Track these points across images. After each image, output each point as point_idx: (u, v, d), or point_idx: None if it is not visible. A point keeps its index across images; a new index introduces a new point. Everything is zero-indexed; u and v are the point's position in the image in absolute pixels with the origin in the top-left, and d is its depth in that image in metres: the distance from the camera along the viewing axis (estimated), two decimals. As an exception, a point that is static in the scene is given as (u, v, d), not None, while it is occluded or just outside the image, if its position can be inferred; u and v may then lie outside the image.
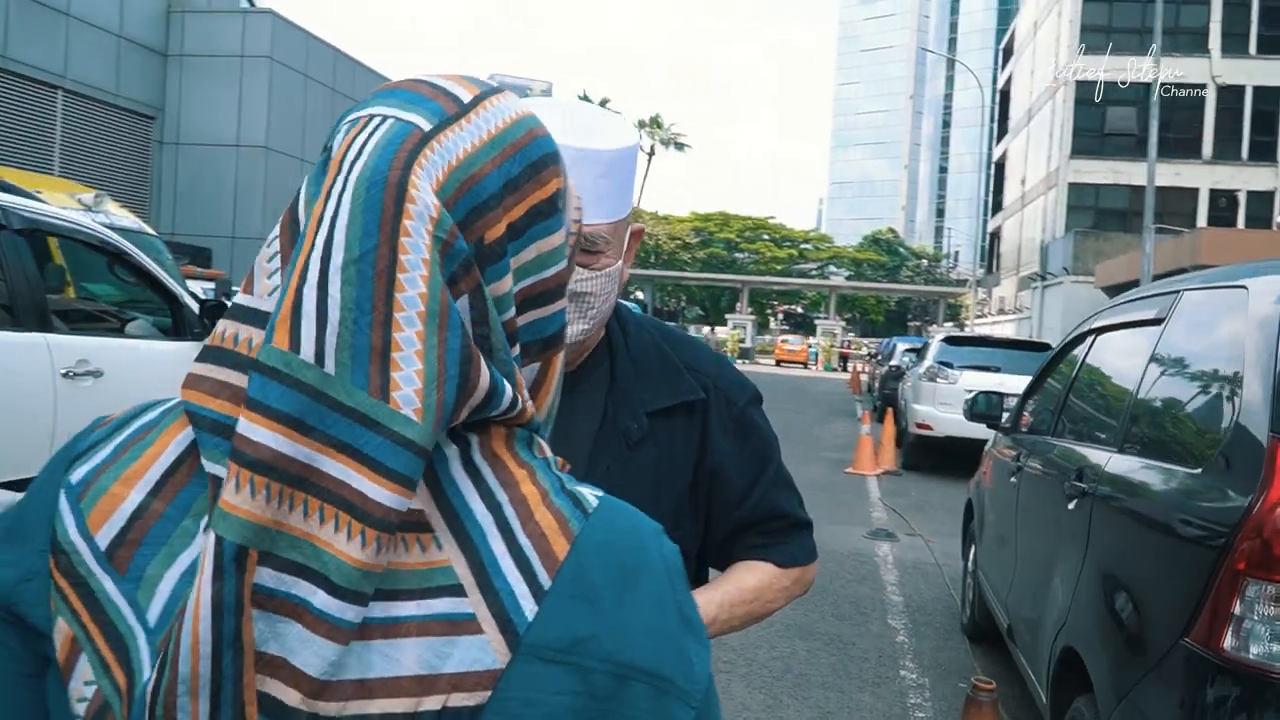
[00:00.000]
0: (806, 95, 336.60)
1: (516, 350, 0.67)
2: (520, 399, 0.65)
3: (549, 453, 0.68)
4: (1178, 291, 3.04)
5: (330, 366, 0.57)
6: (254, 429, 0.56)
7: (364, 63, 24.99)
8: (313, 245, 0.59)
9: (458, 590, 0.59)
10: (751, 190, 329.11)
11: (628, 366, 1.28)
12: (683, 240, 66.95)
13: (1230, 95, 33.03)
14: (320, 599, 0.55)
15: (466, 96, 0.67)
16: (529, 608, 0.60)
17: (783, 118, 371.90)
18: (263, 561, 0.55)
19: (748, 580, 1.32)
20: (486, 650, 0.59)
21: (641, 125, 64.11)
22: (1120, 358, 3.47)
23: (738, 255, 72.64)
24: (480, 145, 0.65)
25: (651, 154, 64.12)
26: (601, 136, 1.16)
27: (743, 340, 53.53)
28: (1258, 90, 32.82)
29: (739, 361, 50.42)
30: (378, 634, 0.58)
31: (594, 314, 1.21)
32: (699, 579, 1.35)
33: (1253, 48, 32.95)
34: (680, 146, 64.53)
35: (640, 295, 56.49)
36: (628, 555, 0.65)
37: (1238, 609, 1.98)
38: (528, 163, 0.67)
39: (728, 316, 58.79)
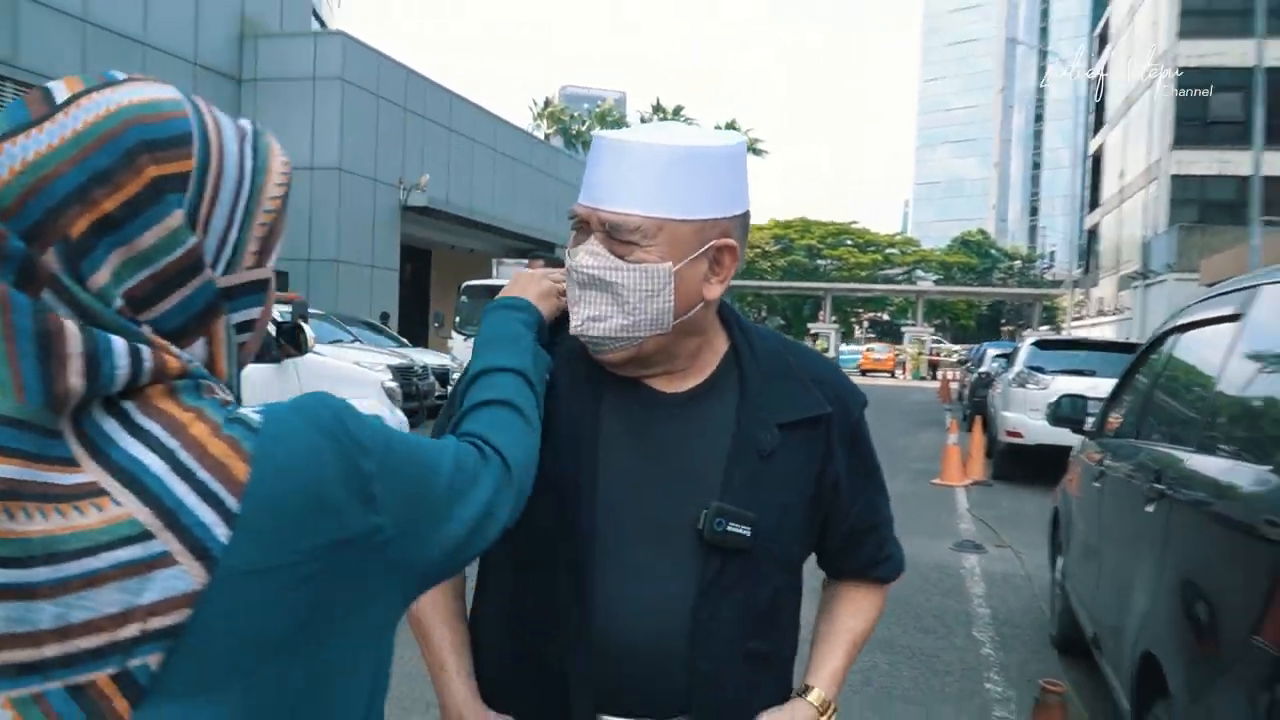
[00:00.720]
0: (891, 94, 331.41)
1: (147, 322, 0.75)
2: (158, 359, 0.74)
3: (220, 393, 0.78)
4: (1257, 286, 2.98)
5: None
6: None
7: (435, 80, 25.11)
8: None
9: (146, 536, 0.70)
10: (834, 195, 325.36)
11: (756, 377, 1.30)
12: (762, 249, 66.24)
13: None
14: None
15: (63, 96, 0.73)
16: (222, 533, 0.72)
17: (866, 119, 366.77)
18: None
19: (859, 627, 1.43)
20: (184, 578, 0.70)
21: (719, 130, 63.75)
22: (1199, 355, 3.49)
23: (820, 262, 71.52)
24: (60, 144, 0.71)
25: (730, 161, 63.69)
26: (669, 136, 1.20)
27: (826, 350, 52.50)
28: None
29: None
30: (76, 587, 0.69)
31: (635, 310, 1.21)
32: (796, 587, 1.37)
33: (1371, 24, 30.80)
34: (759, 152, 63.73)
35: (722, 304, 55.92)
36: (300, 446, 0.76)
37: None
38: (119, 153, 0.72)
39: (810, 325, 57.85)
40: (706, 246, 1.21)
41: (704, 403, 1.28)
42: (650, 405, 1.28)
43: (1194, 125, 32.78)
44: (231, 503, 0.71)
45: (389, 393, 9.11)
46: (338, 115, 21.39)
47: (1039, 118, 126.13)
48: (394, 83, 23.25)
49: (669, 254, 1.19)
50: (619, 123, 61.42)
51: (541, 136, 42.13)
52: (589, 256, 1.19)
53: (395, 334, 19.37)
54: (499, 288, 17.98)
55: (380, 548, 0.81)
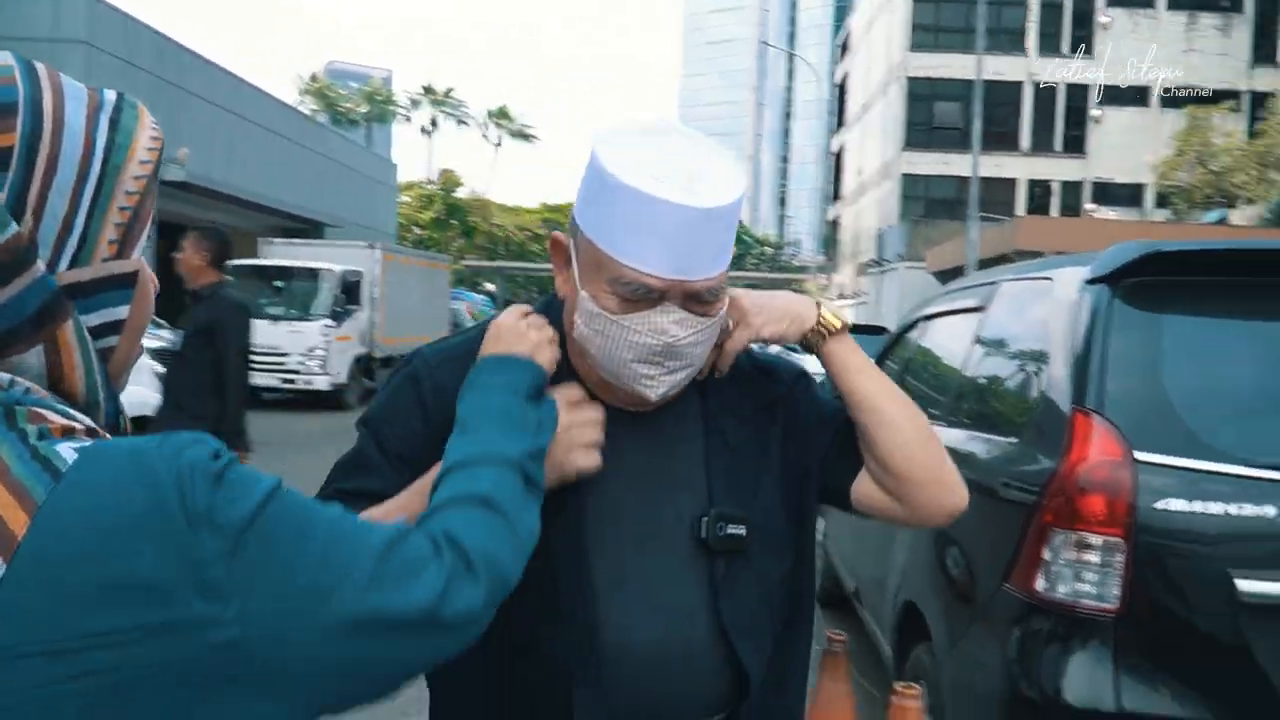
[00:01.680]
0: (654, 87, 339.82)
1: None
2: None
3: (54, 418, 0.65)
4: (995, 282, 3.36)
5: None
6: None
7: (194, 50, 23.74)
8: None
9: None
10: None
11: (710, 378, 1.29)
12: (532, 231, 66.54)
13: (1044, 91, 35.35)
14: None
15: None
16: None
17: (631, 110, 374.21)
18: None
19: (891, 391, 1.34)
20: None
21: (490, 116, 63.31)
22: (948, 341, 3.75)
23: (589, 246, 72.69)
24: None
25: (499, 145, 63.47)
26: (712, 188, 1.11)
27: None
28: (1070, 88, 35.24)
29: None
30: None
31: (699, 360, 1.20)
32: (805, 559, 1.38)
33: (1065, 47, 35.33)
34: (529, 138, 64.09)
35: (490, 287, 55.93)
36: (109, 501, 0.61)
37: (1047, 555, 2.24)
38: None
39: (580, 307, 58.71)
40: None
41: (670, 409, 1.27)
42: (621, 421, 1.23)
43: (921, 130, 36.15)
44: None
45: (161, 379, 8.87)
46: (82, 82, 19.82)
47: (788, 116, 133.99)
48: (147, 49, 21.83)
49: (722, 296, 1.20)
50: (388, 101, 59.75)
51: (307, 114, 40.43)
52: (681, 328, 1.14)
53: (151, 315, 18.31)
54: (267, 268, 17.01)
55: (226, 648, 0.62)
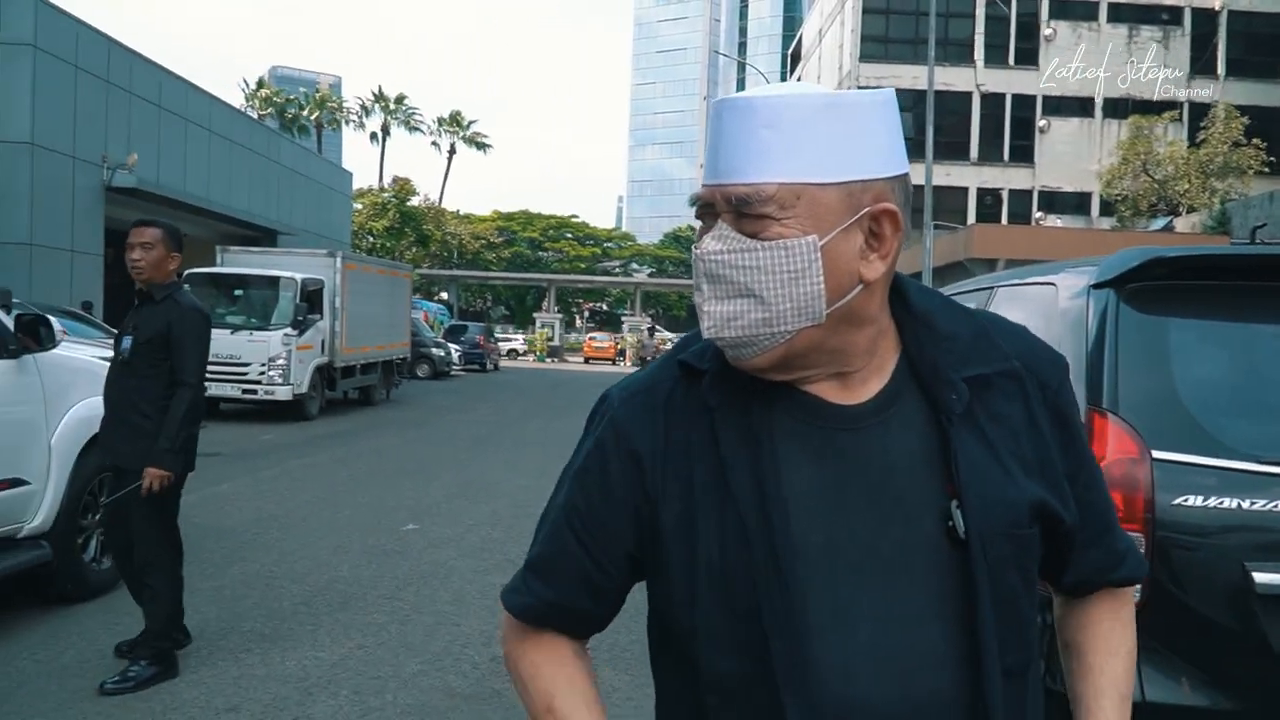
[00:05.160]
0: (606, 95, 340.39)
1: None
2: None
3: None
4: (992, 288, 3.44)
5: None
6: None
7: (141, 53, 23.31)
8: None
9: None
10: (554, 188, 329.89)
11: (917, 335, 1.06)
12: (487, 239, 66.30)
13: (992, 102, 36.10)
14: None
15: None
16: None
17: (583, 117, 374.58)
18: None
19: (1120, 668, 1.15)
20: None
21: (440, 123, 62.93)
22: None
23: (542, 254, 72.74)
24: None
25: (452, 152, 63.12)
26: (773, 90, 0.99)
27: (551, 339, 53.62)
28: (1015, 97, 36.02)
29: (550, 359, 50.61)
30: None
31: (777, 299, 0.98)
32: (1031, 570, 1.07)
33: (1011, 59, 36.12)
34: (482, 146, 63.84)
35: (445, 296, 55.57)
36: None
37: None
38: None
39: (535, 315, 58.79)
40: (860, 214, 0.98)
41: (892, 409, 1.04)
42: (824, 421, 1.03)
43: (874, 138, 36.72)
44: None
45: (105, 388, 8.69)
46: (29, 85, 19.40)
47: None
48: (95, 53, 21.38)
49: (812, 226, 0.97)
50: (338, 109, 59.16)
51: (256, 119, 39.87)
52: (715, 241, 0.99)
53: (101, 323, 17.96)
54: (225, 276, 16.86)
55: None
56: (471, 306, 62.12)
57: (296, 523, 7.78)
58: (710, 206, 1.01)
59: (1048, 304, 2.86)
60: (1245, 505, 2.20)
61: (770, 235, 0.97)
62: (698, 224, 1.05)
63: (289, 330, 15.28)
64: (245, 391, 14.98)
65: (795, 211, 0.97)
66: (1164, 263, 2.54)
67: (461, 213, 68.46)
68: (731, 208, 0.98)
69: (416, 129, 62.19)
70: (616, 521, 1.08)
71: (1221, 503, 2.20)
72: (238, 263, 17.25)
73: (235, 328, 14.97)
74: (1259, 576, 2.14)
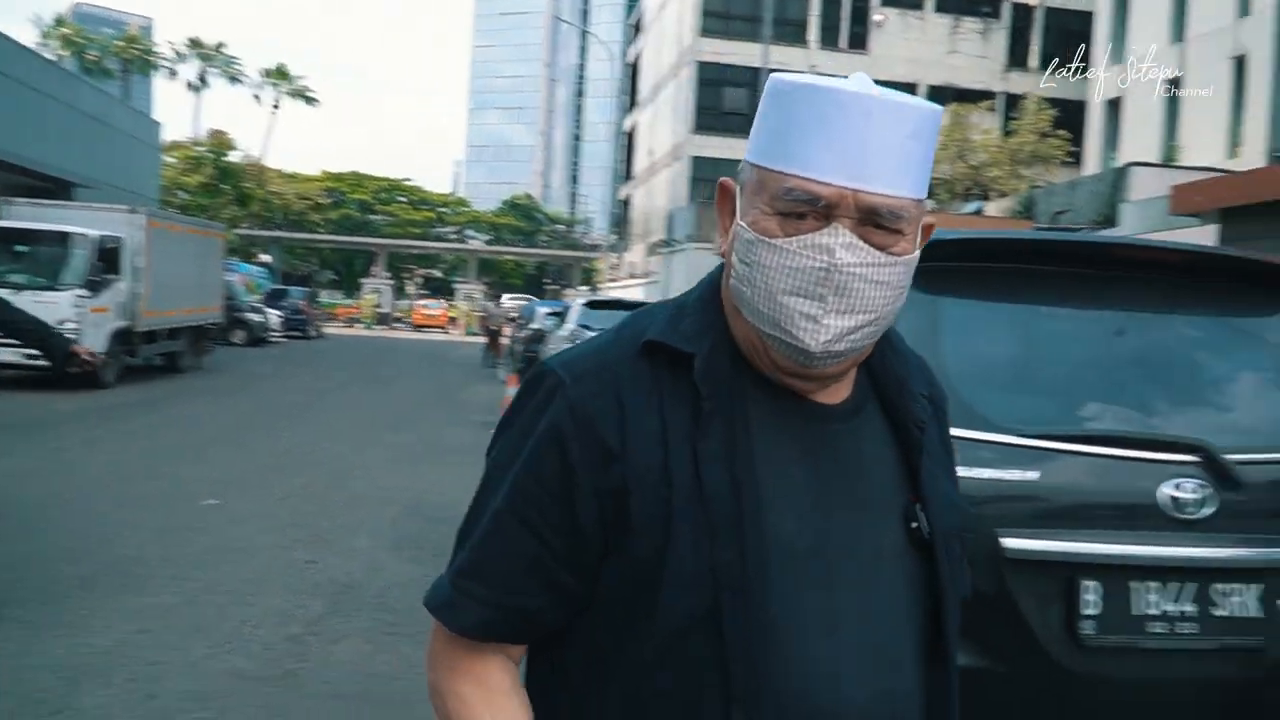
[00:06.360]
0: (446, 57, 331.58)
1: None
2: None
3: None
4: None
5: None
6: None
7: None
8: None
9: None
10: (388, 151, 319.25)
11: (883, 352, 1.10)
12: (314, 200, 63.60)
13: (822, 83, 37.24)
14: None
15: None
16: None
17: (422, 79, 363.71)
18: None
19: None
20: None
21: (266, 76, 59.67)
22: None
23: (372, 218, 70.41)
24: None
25: (276, 107, 59.99)
26: (900, 98, 0.95)
27: (379, 305, 52.13)
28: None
29: (378, 327, 49.09)
30: None
31: (886, 315, 0.98)
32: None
33: (844, 42, 37.33)
34: (310, 100, 60.88)
35: (266, 258, 52.89)
36: None
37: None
38: None
39: (363, 280, 56.98)
40: (922, 227, 1.00)
41: (861, 415, 1.07)
42: (817, 420, 1.04)
43: (711, 114, 37.28)
44: None
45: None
46: None
47: (580, 93, 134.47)
48: None
49: (914, 241, 0.98)
50: (149, 51, 55.08)
51: (52, 59, 36.61)
52: (849, 253, 0.93)
53: None
54: (9, 231, 15.65)
55: None
56: (296, 270, 59.44)
57: (83, 499, 7.24)
58: (828, 204, 0.93)
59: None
60: (1001, 476, 2.31)
61: (898, 250, 0.96)
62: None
63: (81, 291, 14.17)
64: (29, 357, 13.79)
65: (913, 228, 0.97)
66: (939, 245, 2.63)
67: (287, 172, 65.38)
68: (867, 216, 0.93)
69: (238, 80, 58.69)
70: (577, 508, 1.00)
71: (978, 473, 2.30)
72: (24, 216, 15.82)
73: (19, 287, 13.71)
74: (1006, 542, 2.25)
